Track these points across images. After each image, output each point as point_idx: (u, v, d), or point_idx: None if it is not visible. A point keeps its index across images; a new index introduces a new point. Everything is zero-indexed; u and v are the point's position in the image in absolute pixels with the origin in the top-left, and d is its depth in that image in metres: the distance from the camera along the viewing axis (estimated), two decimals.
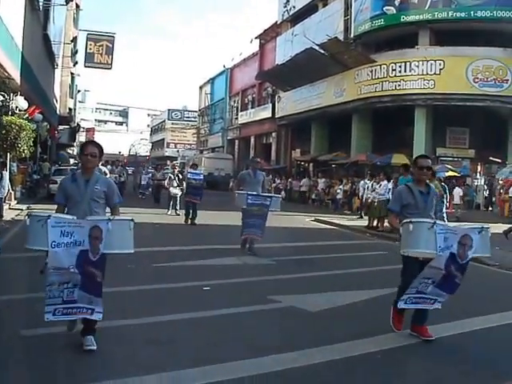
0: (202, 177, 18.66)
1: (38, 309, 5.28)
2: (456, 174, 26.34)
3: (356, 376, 5.02)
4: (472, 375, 5.10)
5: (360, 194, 21.93)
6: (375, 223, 17.86)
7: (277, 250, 12.76)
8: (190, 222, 17.49)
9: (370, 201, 18.63)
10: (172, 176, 20.96)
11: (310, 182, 32.52)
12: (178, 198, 20.25)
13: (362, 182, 21.75)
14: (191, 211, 17.56)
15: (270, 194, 12.96)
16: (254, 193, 11.58)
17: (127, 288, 7.79)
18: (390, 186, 17.59)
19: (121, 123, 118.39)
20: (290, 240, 14.65)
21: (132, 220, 5.17)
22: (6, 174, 16.65)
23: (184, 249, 12.32)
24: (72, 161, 42.26)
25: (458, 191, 24.26)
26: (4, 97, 14.83)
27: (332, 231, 18.61)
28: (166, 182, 22.00)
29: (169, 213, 20.28)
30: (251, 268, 10.38)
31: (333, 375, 5.00)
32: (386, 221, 17.35)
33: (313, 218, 21.70)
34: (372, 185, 18.84)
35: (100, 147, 5.62)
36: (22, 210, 17.99)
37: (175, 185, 20.53)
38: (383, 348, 5.69)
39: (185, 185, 18.87)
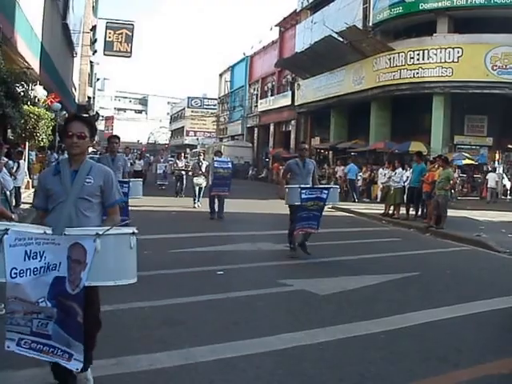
0: (230, 165, 16.35)
1: None
2: (473, 162, 26.32)
3: (357, 353, 5.29)
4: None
5: (379, 182, 22.24)
6: (391, 210, 18.00)
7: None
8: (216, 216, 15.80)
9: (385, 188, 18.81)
10: (198, 164, 18.61)
11: (329, 170, 32.69)
12: (203, 189, 18.33)
13: (381, 169, 21.93)
14: (217, 206, 15.84)
15: (326, 186, 11.62)
16: (308, 185, 10.02)
17: (143, 273, 8.10)
18: (407, 173, 17.75)
19: (140, 111, 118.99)
20: None
21: (134, 233, 3.71)
22: (23, 163, 17.00)
23: (200, 235, 12.61)
24: (90, 149, 42.57)
25: (493, 176, 24.70)
26: (23, 86, 15.16)
27: (348, 218, 18.83)
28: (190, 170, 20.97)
29: (197, 205, 18.46)
30: (265, 253, 10.68)
31: (335, 352, 5.28)
32: (401, 208, 17.58)
33: (330, 206, 21.84)
34: (388, 172, 19.00)
35: (90, 123, 4.13)
36: None
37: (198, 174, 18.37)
38: (387, 329, 5.95)
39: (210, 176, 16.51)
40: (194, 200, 18.59)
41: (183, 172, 23.26)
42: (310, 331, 5.79)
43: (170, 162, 29.47)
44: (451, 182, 15.53)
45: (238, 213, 17.25)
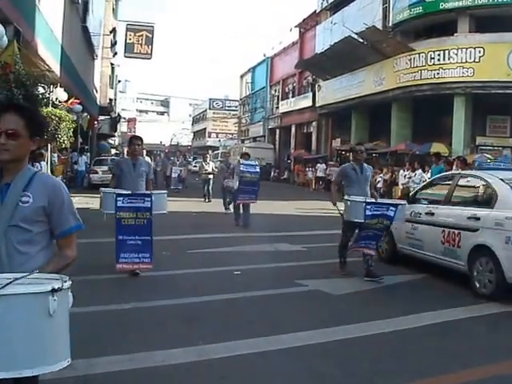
0: (258, 169, 14.58)
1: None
2: None
3: (368, 351, 5.37)
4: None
5: (400, 183, 22.21)
6: None
7: (310, 237, 13.12)
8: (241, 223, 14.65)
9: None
10: (227, 166, 17.31)
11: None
12: None
13: (401, 171, 21.89)
14: (242, 213, 14.69)
15: (392, 202, 9.31)
16: (372, 200, 8.50)
17: (161, 273, 8.29)
18: (428, 175, 17.71)
19: (162, 113, 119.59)
20: (323, 228, 14.86)
21: (55, 291, 2.22)
22: (44, 165, 17.27)
23: (220, 236, 12.75)
24: (113, 151, 43.04)
25: None
26: (44, 89, 15.42)
27: None
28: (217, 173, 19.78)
29: (228, 211, 16.99)
30: (282, 254, 10.77)
31: (347, 350, 5.39)
32: None
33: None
34: (408, 173, 18.99)
35: (30, 115, 2.77)
36: None
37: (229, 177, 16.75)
38: (397, 328, 6.02)
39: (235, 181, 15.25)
40: (225, 204, 17.30)
41: (210, 176, 21.64)
42: (323, 330, 5.90)
43: (194, 165, 29.05)
44: None
45: (257, 214, 17.31)
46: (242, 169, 14.12)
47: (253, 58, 72.38)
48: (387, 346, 5.55)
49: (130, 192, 8.07)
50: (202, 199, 21.78)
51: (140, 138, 9.03)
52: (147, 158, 26.45)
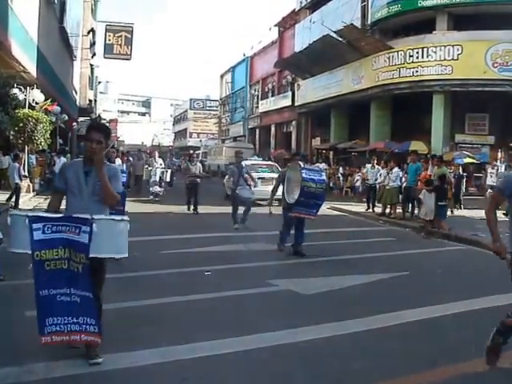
0: (324, 176, 10.94)
1: None
2: (474, 161, 26.10)
3: (338, 352, 5.23)
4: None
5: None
6: (388, 210, 17.83)
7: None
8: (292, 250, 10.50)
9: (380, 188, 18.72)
10: (238, 169, 14.53)
11: (330, 170, 32.50)
12: (250, 205, 14.33)
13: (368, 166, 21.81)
14: (294, 231, 10.68)
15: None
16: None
17: (131, 274, 8.03)
18: (401, 173, 17.69)
19: (144, 113, 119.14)
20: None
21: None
22: (15, 166, 16.82)
23: (194, 236, 12.49)
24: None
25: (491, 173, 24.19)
26: (20, 90, 15.12)
27: (345, 218, 18.69)
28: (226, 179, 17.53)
29: (236, 226, 13.90)
30: (256, 254, 10.56)
31: (314, 351, 5.22)
32: (398, 208, 17.42)
33: (328, 206, 21.73)
34: (384, 172, 18.87)
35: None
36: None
37: (243, 184, 14.22)
38: (369, 328, 5.85)
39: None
40: (234, 218, 14.15)
41: (198, 179, 18.03)
42: (294, 330, 5.73)
43: (163, 169, 23.89)
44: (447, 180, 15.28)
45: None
46: (304, 176, 10.30)
47: (233, 57, 72.30)
48: (358, 345, 5.39)
49: (58, 215, 4.75)
50: (185, 207, 17.90)
51: (103, 130, 5.14)
52: (159, 161, 24.21)
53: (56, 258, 4.52)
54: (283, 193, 10.71)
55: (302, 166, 10.85)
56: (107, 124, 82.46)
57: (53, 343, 4.65)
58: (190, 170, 18.12)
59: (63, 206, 4.99)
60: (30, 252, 4.47)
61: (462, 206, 20.72)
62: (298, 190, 10.16)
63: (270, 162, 28.56)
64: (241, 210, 14.29)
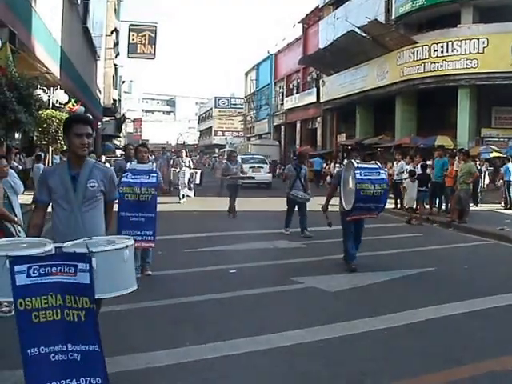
0: (383, 175, 9.08)
1: None
2: (501, 155, 25.81)
3: (359, 350, 5.26)
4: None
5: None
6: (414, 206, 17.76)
7: (312, 233, 12.87)
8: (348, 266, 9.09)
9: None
10: (295, 169, 13.10)
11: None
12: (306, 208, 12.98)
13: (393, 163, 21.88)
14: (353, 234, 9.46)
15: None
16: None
17: (155, 273, 8.16)
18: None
19: (168, 112, 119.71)
20: (323, 224, 14.68)
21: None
22: (40, 167, 17.18)
23: (219, 234, 12.62)
24: (119, 152, 42.97)
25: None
26: (44, 91, 15.37)
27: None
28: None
29: (287, 231, 12.86)
30: (280, 251, 10.65)
31: (336, 349, 5.27)
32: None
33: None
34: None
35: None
36: None
37: (299, 187, 12.93)
38: (392, 325, 5.89)
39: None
40: (287, 225, 13.04)
41: (240, 181, 16.89)
42: (314, 328, 5.78)
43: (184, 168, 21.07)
44: (473, 175, 15.21)
45: (261, 211, 17.22)
46: (358, 177, 8.66)
47: (258, 54, 72.40)
48: (379, 343, 5.42)
49: (50, 247, 3.74)
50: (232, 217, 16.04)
51: (89, 121, 4.42)
52: (187, 160, 21.53)
53: (45, 308, 3.56)
54: (340, 197, 9.32)
55: (356, 165, 8.88)
56: (132, 122, 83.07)
57: None
58: (231, 171, 16.43)
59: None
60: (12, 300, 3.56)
61: (479, 202, 20.06)
62: (354, 194, 8.71)
63: (261, 156, 30.82)
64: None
